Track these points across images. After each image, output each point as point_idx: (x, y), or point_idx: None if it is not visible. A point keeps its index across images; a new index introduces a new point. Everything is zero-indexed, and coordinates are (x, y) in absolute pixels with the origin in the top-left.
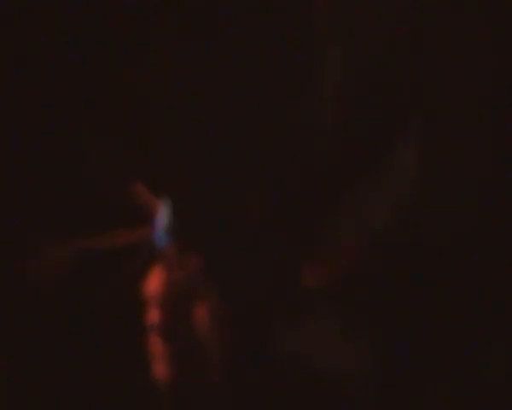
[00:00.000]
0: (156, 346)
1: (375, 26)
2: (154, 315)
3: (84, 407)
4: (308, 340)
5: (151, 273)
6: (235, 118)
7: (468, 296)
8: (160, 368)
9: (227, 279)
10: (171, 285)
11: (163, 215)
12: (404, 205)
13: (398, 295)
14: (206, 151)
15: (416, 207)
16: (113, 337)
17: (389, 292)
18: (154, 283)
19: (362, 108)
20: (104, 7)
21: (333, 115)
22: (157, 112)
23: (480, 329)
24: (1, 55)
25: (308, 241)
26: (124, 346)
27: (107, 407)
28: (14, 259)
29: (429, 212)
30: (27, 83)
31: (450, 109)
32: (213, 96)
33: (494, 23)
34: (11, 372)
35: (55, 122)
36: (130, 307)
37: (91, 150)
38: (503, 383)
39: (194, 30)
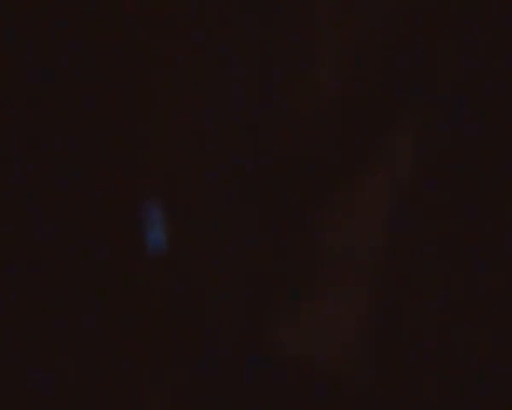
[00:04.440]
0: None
1: (374, 18)
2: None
3: None
4: (308, 337)
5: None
6: (233, 114)
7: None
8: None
9: (223, 275)
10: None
11: (157, 215)
12: (403, 193)
13: (397, 291)
14: (201, 149)
15: (414, 199)
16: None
17: (387, 288)
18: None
19: (360, 100)
20: (105, 8)
21: (331, 108)
22: (150, 106)
23: (479, 328)
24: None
25: (303, 236)
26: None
27: None
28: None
29: (427, 205)
30: (27, 81)
31: (449, 102)
32: (210, 91)
33: (492, 21)
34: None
35: (56, 122)
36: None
37: (90, 151)
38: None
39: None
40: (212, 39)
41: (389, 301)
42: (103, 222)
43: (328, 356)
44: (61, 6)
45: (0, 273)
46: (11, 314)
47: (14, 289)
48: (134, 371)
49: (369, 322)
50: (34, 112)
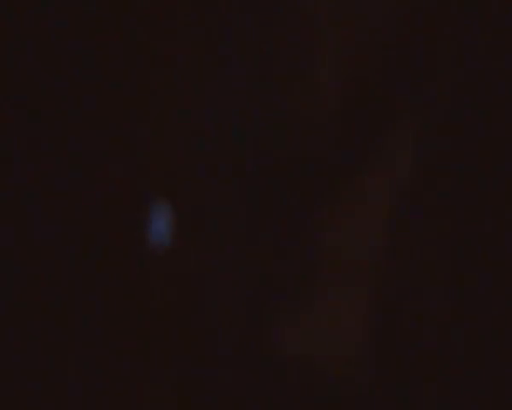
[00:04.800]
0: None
1: (374, 17)
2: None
3: None
4: (308, 337)
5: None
6: (232, 113)
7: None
8: None
9: (223, 275)
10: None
11: (159, 212)
12: (403, 193)
13: (397, 291)
14: (201, 149)
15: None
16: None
17: (387, 288)
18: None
19: (360, 100)
20: (105, 8)
21: (331, 108)
22: (150, 106)
23: (477, 327)
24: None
25: (303, 236)
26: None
27: None
28: None
29: (427, 204)
30: (26, 82)
31: (449, 102)
32: (210, 91)
33: (492, 21)
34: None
35: (57, 122)
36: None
37: (90, 150)
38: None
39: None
40: (212, 39)
41: (389, 301)
42: (103, 222)
43: (328, 356)
44: (61, 6)
45: (0, 273)
46: (11, 314)
47: (14, 288)
48: (134, 371)
49: (369, 322)
50: (34, 112)
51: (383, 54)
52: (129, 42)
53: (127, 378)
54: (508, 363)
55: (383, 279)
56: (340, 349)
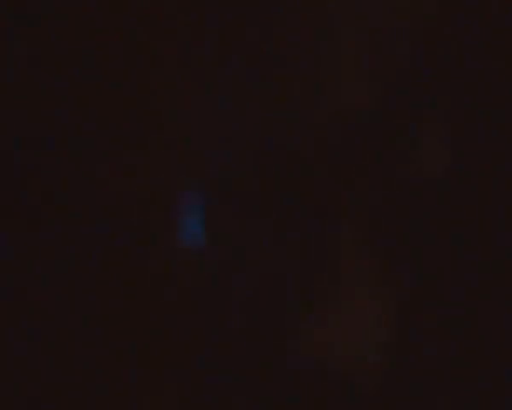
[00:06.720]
0: None
1: (374, 18)
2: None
3: None
4: (322, 340)
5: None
6: (250, 111)
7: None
8: None
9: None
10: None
11: (190, 209)
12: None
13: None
14: (201, 147)
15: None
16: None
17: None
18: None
19: (390, 95)
20: (105, 8)
21: (360, 104)
22: (150, 106)
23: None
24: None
25: (320, 240)
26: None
27: None
28: None
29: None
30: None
31: (477, 99)
32: (210, 90)
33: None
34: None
35: (57, 122)
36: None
37: (90, 150)
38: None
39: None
40: (212, 39)
41: (409, 302)
42: (132, 222)
43: (342, 358)
44: (61, 6)
45: (15, 274)
46: (20, 314)
47: (20, 290)
48: (136, 372)
49: (390, 324)
50: (34, 112)
51: (383, 53)
52: (129, 42)
53: (128, 380)
54: None
55: (398, 284)
56: (354, 352)
